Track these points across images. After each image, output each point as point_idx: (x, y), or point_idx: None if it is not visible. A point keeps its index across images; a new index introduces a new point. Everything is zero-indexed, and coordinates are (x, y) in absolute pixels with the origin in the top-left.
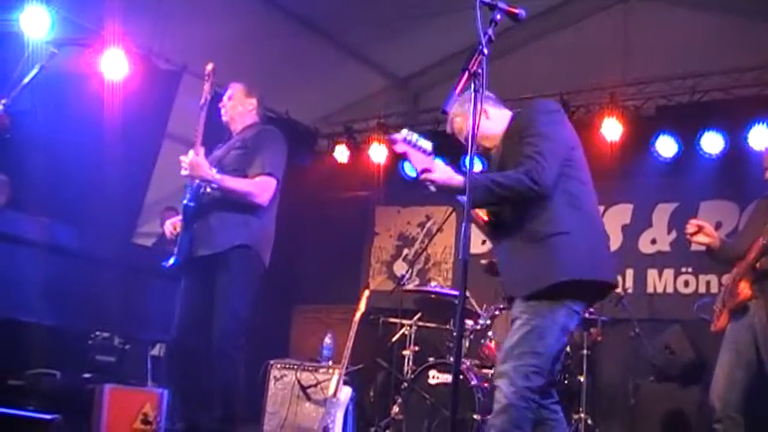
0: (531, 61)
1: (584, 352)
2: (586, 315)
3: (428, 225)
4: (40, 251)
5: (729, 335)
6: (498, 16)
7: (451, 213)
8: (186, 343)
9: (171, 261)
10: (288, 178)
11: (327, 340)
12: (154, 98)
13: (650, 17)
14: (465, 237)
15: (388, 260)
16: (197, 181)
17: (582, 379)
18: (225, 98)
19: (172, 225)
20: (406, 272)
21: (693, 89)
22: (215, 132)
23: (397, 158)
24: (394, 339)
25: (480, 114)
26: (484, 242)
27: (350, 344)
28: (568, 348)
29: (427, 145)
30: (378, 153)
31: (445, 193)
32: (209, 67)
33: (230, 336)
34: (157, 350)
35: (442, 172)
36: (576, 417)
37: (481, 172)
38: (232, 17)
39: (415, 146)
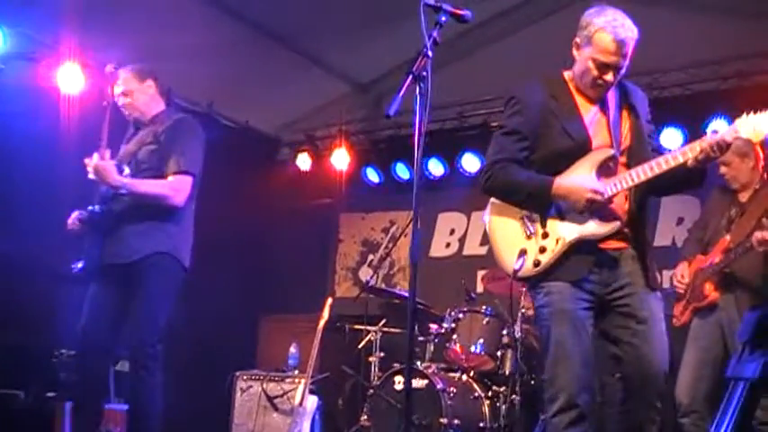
0: (491, 63)
1: None
2: None
3: (392, 230)
4: None
5: (694, 331)
6: (443, 18)
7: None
8: (93, 353)
9: (79, 265)
10: (251, 188)
11: (293, 349)
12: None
13: None
14: (414, 242)
15: (354, 267)
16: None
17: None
18: (118, 93)
19: (74, 220)
20: (371, 277)
21: (651, 85)
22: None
23: (360, 164)
24: (360, 346)
25: (427, 116)
26: (448, 245)
27: (314, 352)
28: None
29: None
30: (340, 160)
31: None
32: (109, 67)
33: (147, 345)
34: (120, 365)
35: None
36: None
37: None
38: (188, 26)
39: None
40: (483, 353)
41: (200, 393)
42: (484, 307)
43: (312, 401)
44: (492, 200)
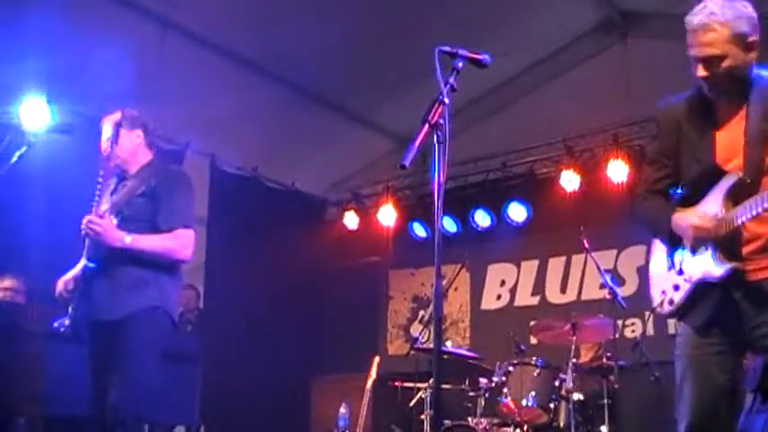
0: (534, 110)
1: (605, 401)
2: (603, 362)
3: (442, 284)
4: None
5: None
6: (460, 64)
7: (462, 268)
8: (100, 419)
9: (66, 322)
10: (299, 248)
11: (342, 410)
12: None
13: (648, 54)
14: (437, 294)
15: (405, 323)
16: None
17: (604, 429)
18: (104, 140)
19: (64, 283)
20: (420, 333)
21: None
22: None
23: (407, 220)
24: (411, 404)
25: (444, 169)
26: (499, 297)
27: (363, 412)
28: (582, 397)
29: None
30: (387, 216)
31: None
32: (118, 116)
33: (132, 405)
34: None
35: None
36: None
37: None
38: (231, 92)
39: None
40: (535, 406)
41: None
42: (534, 358)
43: None
44: None
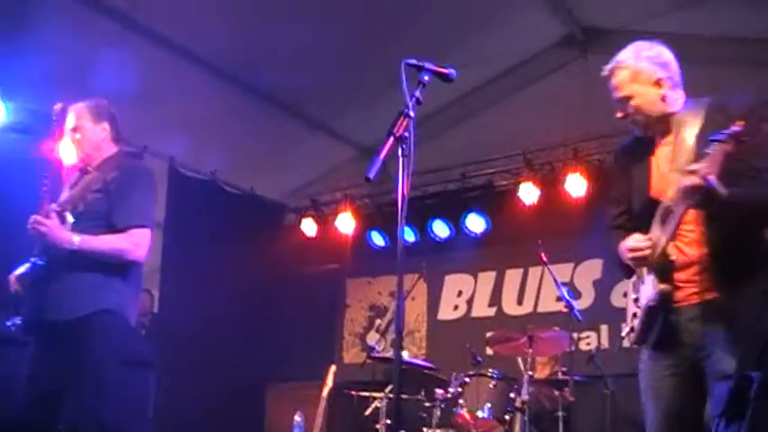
0: (494, 123)
1: (560, 413)
2: (558, 374)
3: (403, 299)
4: None
5: None
6: (426, 77)
7: (419, 279)
8: (34, 423)
9: (17, 321)
10: (257, 254)
11: (297, 418)
12: None
13: None
14: (399, 308)
15: (361, 332)
16: None
17: None
18: (68, 128)
19: (18, 279)
20: (376, 342)
21: None
22: None
23: (365, 229)
24: (367, 413)
25: (407, 182)
26: (456, 308)
27: (318, 421)
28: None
29: None
30: (345, 224)
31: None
32: (58, 106)
33: (95, 413)
34: None
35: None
36: None
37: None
38: (193, 97)
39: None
40: (491, 417)
41: None
42: (491, 370)
43: None
44: None
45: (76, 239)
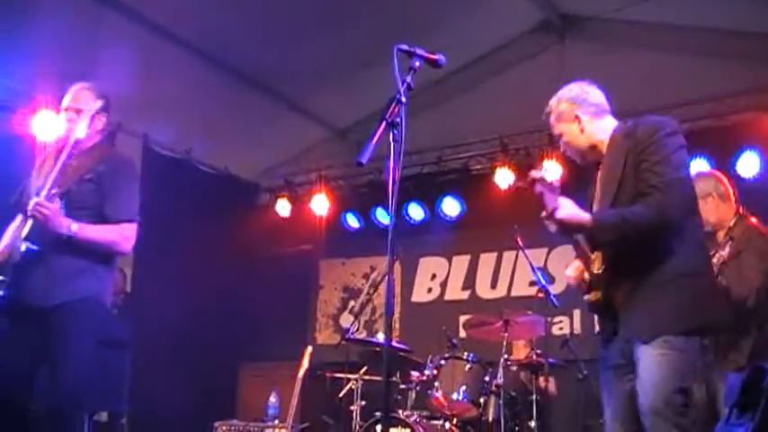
0: (471, 107)
1: (534, 397)
2: (533, 358)
3: (373, 276)
4: None
5: None
6: (417, 63)
7: (395, 260)
8: (4, 404)
9: None
10: (230, 234)
11: (272, 398)
12: None
13: (585, 58)
14: (389, 292)
15: (335, 313)
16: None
17: (532, 424)
18: (66, 107)
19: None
20: (351, 324)
21: None
22: None
23: (340, 211)
24: (341, 394)
25: (398, 167)
26: (429, 290)
27: (294, 401)
28: (514, 393)
29: (557, 182)
30: (320, 206)
31: (569, 232)
32: (88, 95)
33: (72, 394)
34: (98, 416)
35: (569, 209)
36: None
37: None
38: (167, 74)
39: (551, 186)
40: (465, 400)
41: None
42: (466, 353)
43: None
44: None
45: (74, 227)
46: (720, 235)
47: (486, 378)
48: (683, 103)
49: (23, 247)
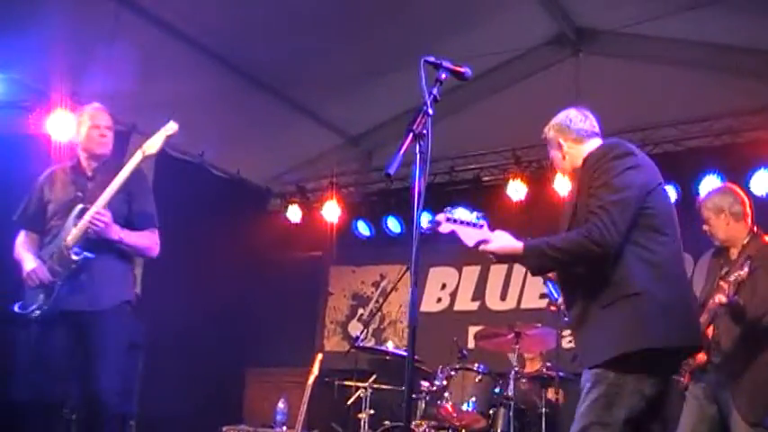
0: (484, 117)
1: (543, 410)
2: (543, 371)
3: (383, 284)
4: None
5: (691, 391)
6: (443, 75)
7: (406, 272)
8: (41, 405)
9: (35, 308)
10: (241, 238)
11: (281, 405)
12: None
13: (600, 71)
14: (413, 303)
15: (343, 320)
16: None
17: None
18: (104, 125)
19: (37, 273)
20: (361, 332)
21: (644, 141)
22: None
23: (351, 217)
24: (349, 402)
25: (425, 178)
26: (439, 300)
27: (303, 408)
28: (524, 406)
29: (471, 217)
30: (330, 212)
31: (504, 261)
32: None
33: (116, 395)
34: None
35: (499, 241)
36: None
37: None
38: (182, 77)
39: (461, 222)
40: (475, 411)
41: None
42: (477, 364)
43: None
44: None
45: (123, 234)
46: (733, 252)
47: (496, 390)
48: (697, 120)
49: (76, 257)
